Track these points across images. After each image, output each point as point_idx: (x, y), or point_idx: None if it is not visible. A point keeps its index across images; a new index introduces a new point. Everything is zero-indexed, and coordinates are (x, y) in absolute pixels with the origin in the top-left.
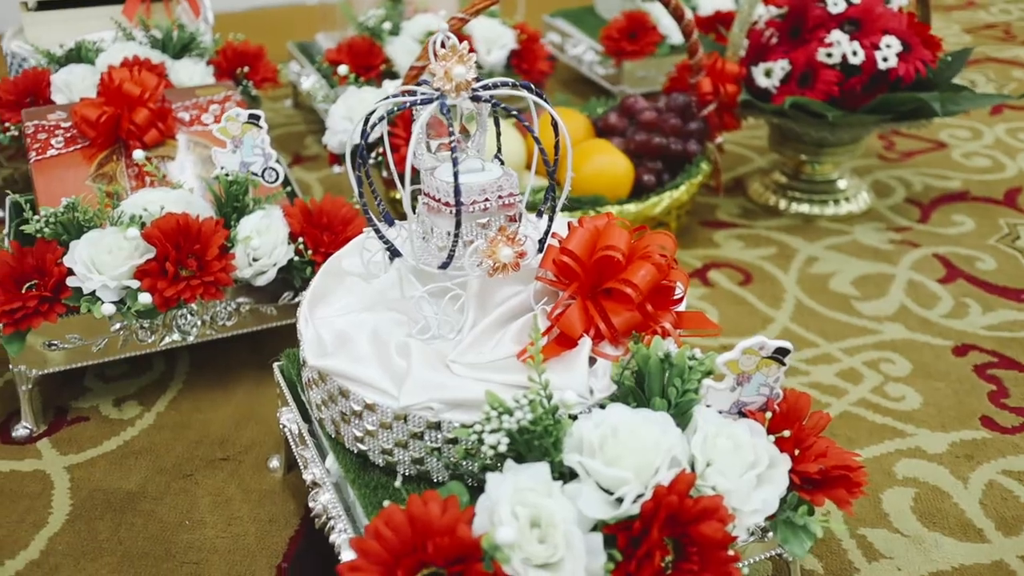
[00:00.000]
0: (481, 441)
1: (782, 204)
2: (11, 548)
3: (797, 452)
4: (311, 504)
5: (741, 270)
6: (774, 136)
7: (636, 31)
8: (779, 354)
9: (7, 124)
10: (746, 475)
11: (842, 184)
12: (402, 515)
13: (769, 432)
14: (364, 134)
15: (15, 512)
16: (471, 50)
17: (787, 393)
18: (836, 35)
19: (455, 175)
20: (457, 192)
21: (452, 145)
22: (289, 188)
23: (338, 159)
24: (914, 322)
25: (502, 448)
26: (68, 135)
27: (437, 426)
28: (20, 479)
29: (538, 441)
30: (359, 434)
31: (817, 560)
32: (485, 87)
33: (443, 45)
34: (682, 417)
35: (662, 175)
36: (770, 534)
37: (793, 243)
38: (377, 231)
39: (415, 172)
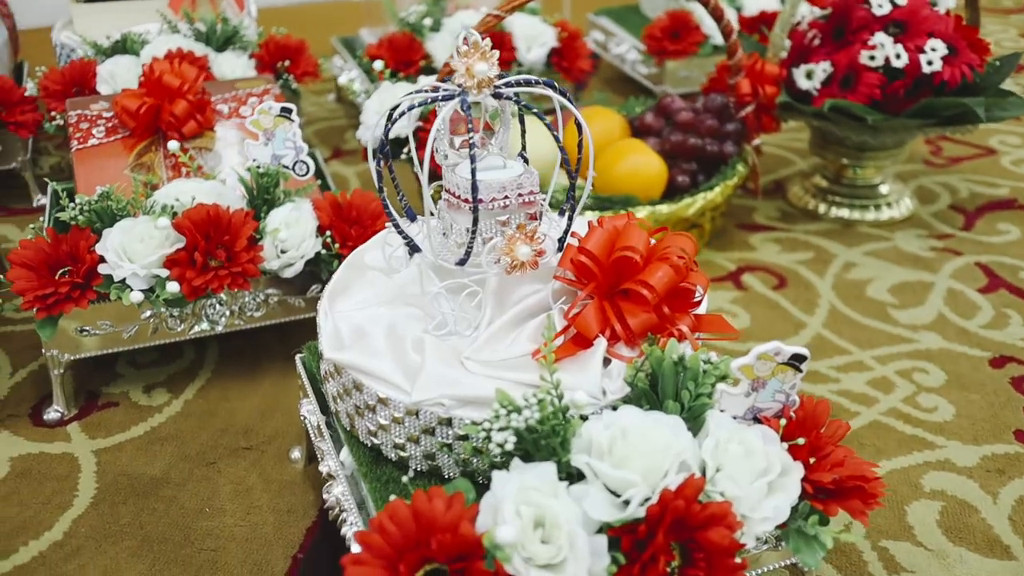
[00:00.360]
0: (489, 439)
1: (822, 208)
2: (36, 529)
3: (812, 460)
4: (325, 496)
5: (776, 274)
6: (815, 139)
7: (679, 31)
8: (795, 360)
9: (53, 113)
10: (757, 482)
11: (884, 189)
12: (406, 510)
13: (783, 439)
14: (386, 129)
15: (42, 494)
16: (496, 47)
17: (804, 400)
18: (880, 37)
19: (472, 172)
20: (474, 188)
21: (470, 142)
22: (320, 181)
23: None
24: (951, 332)
25: (509, 447)
26: (109, 125)
27: (448, 422)
28: (49, 461)
29: (545, 441)
30: (372, 428)
31: (836, 571)
32: (508, 84)
33: (467, 42)
34: (695, 421)
35: (697, 176)
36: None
37: (831, 248)
38: (396, 226)
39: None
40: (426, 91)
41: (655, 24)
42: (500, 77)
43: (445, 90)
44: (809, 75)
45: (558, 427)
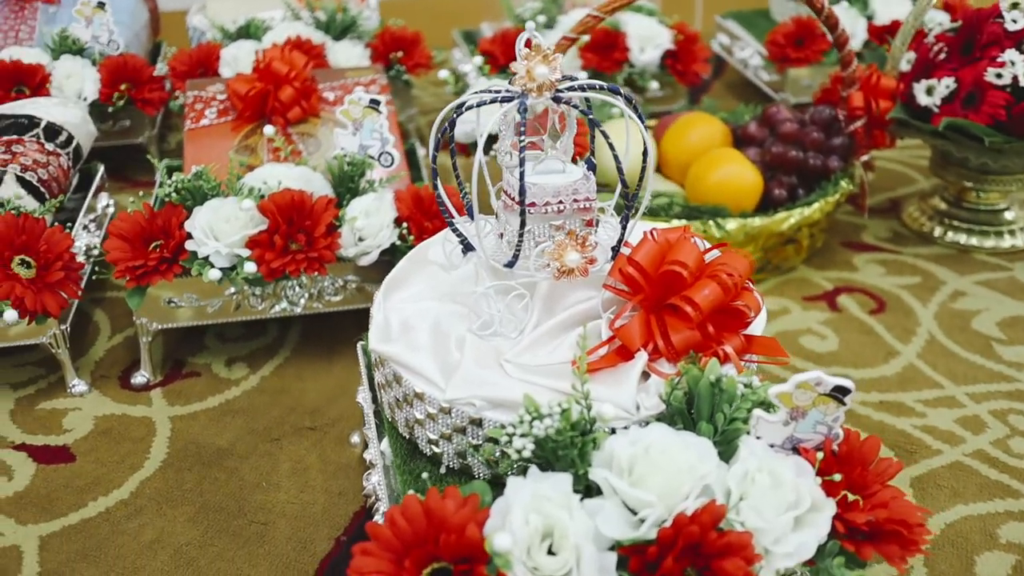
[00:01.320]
0: (511, 443)
1: (937, 231)
2: (106, 486)
3: (852, 499)
4: (364, 483)
5: (875, 297)
6: (935, 159)
7: (803, 37)
8: (838, 392)
9: (176, 93)
10: (783, 515)
11: (1009, 215)
12: (419, 507)
13: (820, 473)
14: (443, 129)
15: (117, 453)
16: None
17: (851, 435)
18: (1010, 55)
19: (521, 175)
20: (522, 192)
21: (520, 145)
22: (411, 172)
23: (464, 148)
24: None
25: (526, 453)
26: (222, 107)
27: (479, 423)
28: (128, 423)
29: (563, 451)
30: (410, 421)
31: None
32: (572, 88)
33: (528, 45)
34: (727, 446)
35: (796, 190)
36: None
37: (941, 274)
38: (451, 223)
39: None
40: (488, 91)
41: (778, 29)
42: (567, 79)
43: (507, 91)
44: (930, 91)
45: (575, 439)
